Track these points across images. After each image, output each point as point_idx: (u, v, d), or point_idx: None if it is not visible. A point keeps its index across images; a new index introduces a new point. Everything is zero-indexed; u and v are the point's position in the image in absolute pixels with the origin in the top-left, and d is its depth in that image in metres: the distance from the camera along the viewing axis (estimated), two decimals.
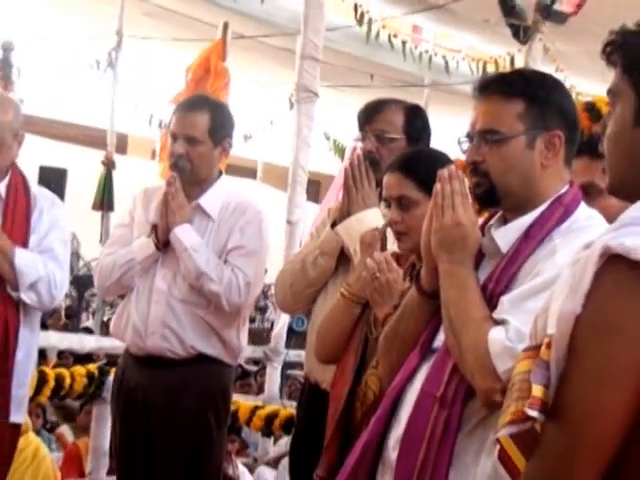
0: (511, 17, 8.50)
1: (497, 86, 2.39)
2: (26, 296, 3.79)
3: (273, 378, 6.85)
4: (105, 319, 10.03)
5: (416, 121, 3.64)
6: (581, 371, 1.50)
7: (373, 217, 3.46)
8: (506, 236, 2.35)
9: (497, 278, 2.30)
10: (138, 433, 3.98)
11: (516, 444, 1.59)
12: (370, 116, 3.62)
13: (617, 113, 1.68)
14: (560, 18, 9.02)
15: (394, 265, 2.90)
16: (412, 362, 2.39)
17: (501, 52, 10.01)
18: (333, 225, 3.59)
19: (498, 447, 1.62)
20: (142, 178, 6.70)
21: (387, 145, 3.57)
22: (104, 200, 10.30)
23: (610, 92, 1.70)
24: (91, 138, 15.26)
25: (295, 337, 8.09)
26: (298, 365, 8.16)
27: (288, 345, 7.07)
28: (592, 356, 1.49)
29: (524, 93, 2.36)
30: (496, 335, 2.16)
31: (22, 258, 3.78)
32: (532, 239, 2.31)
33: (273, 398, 6.65)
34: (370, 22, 9.12)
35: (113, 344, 5.23)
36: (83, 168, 12.72)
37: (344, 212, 3.53)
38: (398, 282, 2.85)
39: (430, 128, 3.67)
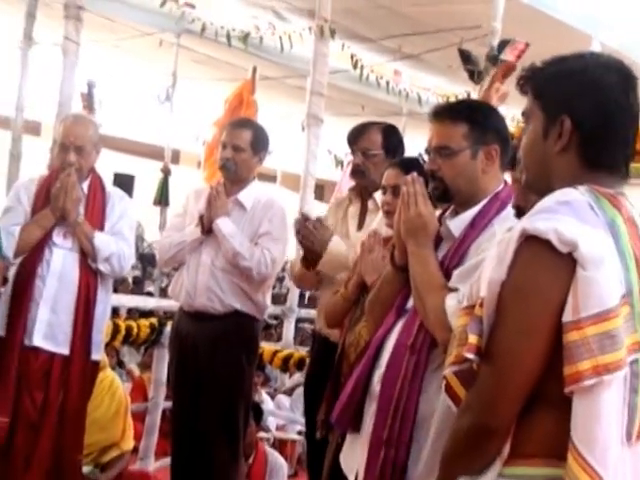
0: (468, 64, 8.47)
1: (447, 113, 2.40)
2: (102, 267, 3.82)
3: (289, 329, 6.84)
4: (163, 286, 9.99)
5: (392, 138, 3.61)
6: (505, 324, 1.51)
7: (336, 244, 3.44)
8: (457, 224, 2.37)
9: (451, 256, 2.33)
10: (189, 369, 4.01)
11: (459, 379, 1.61)
12: (356, 137, 3.60)
13: (530, 129, 1.69)
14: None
15: (380, 247, 2.94)
16: (390, 319, 2.41)
17: (461, 90, 9.96)
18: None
19: (445, 382, 1.64)
20: (190, 182, 6.69)
21: (371, 159, 3.55)
22: (162, 198, 10.28)
23: (524, 114, 1.71)
24: (152, 152, 15.22)
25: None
26: (307, 320, 8.17)
27: (300, 305, 7.08)
28: (513, 312, 1.51)
29: (468, 118, 2.37)
30: (451, 300, 2.17)
31: (99, 239, 3.81)
32: (477, 226, 2.33)
33: (289, 344, 6.64)
34: (362, 67, 9.12)
35: (169, 303, 5.24)
36: (146, 174, 12.73)
37: (315, 254, 3.47)
38: (386, 258, 2.90)
39: (404, 143, 3.63)
